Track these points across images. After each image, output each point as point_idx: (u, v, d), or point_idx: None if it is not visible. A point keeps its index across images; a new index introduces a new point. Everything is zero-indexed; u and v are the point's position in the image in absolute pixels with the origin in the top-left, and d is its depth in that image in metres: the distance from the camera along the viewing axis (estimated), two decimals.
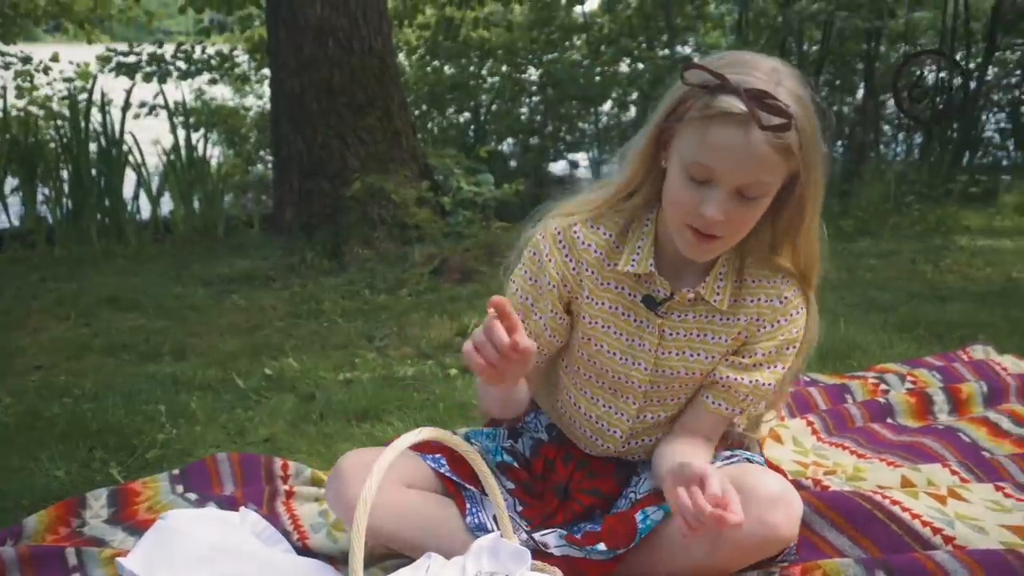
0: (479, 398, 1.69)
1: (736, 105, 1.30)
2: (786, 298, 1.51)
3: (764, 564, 1.53)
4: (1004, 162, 8.55)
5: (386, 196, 4.68)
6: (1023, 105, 8.24)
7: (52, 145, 6.28)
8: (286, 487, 1.91)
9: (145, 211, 6.22)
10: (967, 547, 1.56)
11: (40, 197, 6.06)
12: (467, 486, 1.61)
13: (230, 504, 1.81)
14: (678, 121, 1.38)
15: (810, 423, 2.21)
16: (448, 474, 1.62)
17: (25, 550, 1.62)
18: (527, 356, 1.29)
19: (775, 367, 1.54)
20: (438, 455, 1.65)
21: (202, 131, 6.90)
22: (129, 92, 6.34)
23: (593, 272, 1.53)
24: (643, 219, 1.52)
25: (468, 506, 1.59)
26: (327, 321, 3.63)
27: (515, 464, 1.70)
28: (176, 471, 2.02)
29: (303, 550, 1.70)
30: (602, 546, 1.50)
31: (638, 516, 1.52)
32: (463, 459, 1.61)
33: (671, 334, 1.54)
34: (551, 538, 1.55)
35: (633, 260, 1.51)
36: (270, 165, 7.56)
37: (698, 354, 1.55)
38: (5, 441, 2.38)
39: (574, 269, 1.53)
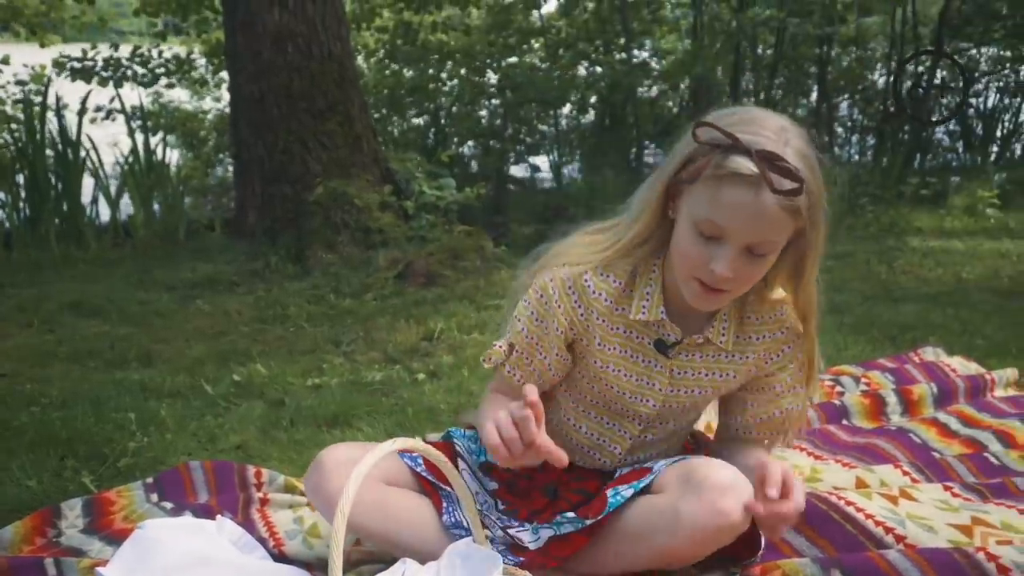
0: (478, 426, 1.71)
1: (748, 167, 1.34)
2: (787, 327, 1.59)
3: (729, 565, 1.60)
4: (954, 163, 8.78)
5: (349, 201, 4.71)
6: (971, 108, 8.46)
7: (6, 150, 6.22)
8: (260, 494, 1.94)
9: (104, 215, 6.19)
10: (917, 546, 1.63)
11: None
12: (443, 486, 1.66)
13: (206, 513, 1.84)
14: (689, 182, 1.41)
15: None
16: (424, 474, 1.66)
17: (3, 561, 1.65)
18: (545, 455, 1.36)
19: (797, 389, 1.63)
20: (416, 454, 1.70)
21: (161, 135, 6.87)
22: (85, 98, 6.29)
23: (603, 320, 1.58)
24: (650, 265, 1.56)
25: (444, 505, 1.64)
26: (293, 326, 3.65)
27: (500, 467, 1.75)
28: (150, 480, 2.04)
29: (279, 557, 1.73)
30: (570, 514, 1.57)
31: (609, 492, 1.57)
32: (442, 454, 1.68)
33: (680, 373, 1.61)
34: (526, 535, 1.61)
35: (644, 308, 1.56)
36: (230, 168, 7.55)
37: (706, 390, 1.63)
38: None
39: (583, 315, 1.58)
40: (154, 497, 1.97)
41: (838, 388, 2.55)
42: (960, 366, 2.68)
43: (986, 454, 2.05)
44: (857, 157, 8.87)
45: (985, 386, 2.54)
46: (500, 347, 1.64)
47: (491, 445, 1.37)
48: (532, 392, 1.34)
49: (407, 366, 3.08)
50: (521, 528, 1.63)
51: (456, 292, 4.04)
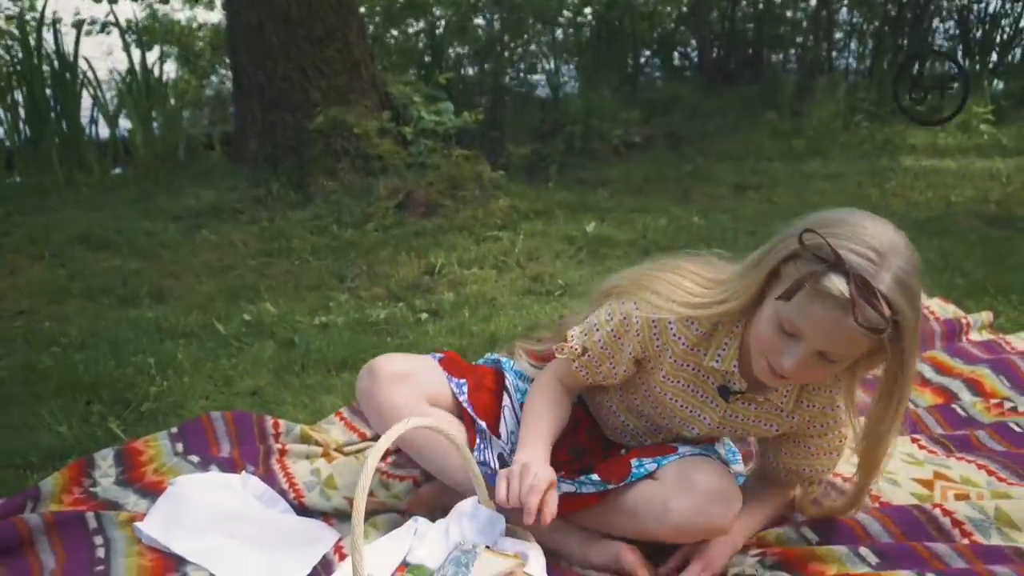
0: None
1: (842, 290, 1.35)
2: (838, 406, 1.67)
3: None
4: (952, 71, 8.77)
5: (348, 128, 4.76)
6: (971, 13, 8.40)
7: (2, 66, 6.21)
8: (279, 445, 2.09)
9: (103, 133, 6.22)
10: (881, 497, 1.79)
11: None
12: (479, 420, 1.78)
13: (230, 466, 1.99)
14: (787, 296, 1.42)
15: None
16: (466, 404, 1.79)
17: (49, 516, 1.80)
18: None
19: (832, 455, 1.73)
20: (462, 380, 1.83)
21: (157, 49, 6.85)
22: (81, 23, 6.24)
23: (676, 359, 1.67)
24: (734, 321, 1.59)
25: (477, 441, 1.76)
26: (298, 259, 3.77)
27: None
28: (174, 429, 2.18)
29: (300, 508, 1.89)
30: (595, 476, 1.68)
31: (633, 461, 1.69)
32: (484, 385, 1.83)
33: (731, 416, 1.71)
34: None
35: (719, 356, 1.62)
36: (225, 81, 7.55)
37: (750, 432, 1.75)
38: (4, 396, 2.53)
39: (658, 348, 1.67)
40: (179, 447, 2.12)
41: None
42: (939, 309, 2.81)
43: (954, 405, 2.20)
44: (855, 64, 8.86)
45: (961, 330, 2.68)
46: (575, 347, 1.73)
47: (499, 491, 1.56)
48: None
49: (410, 304, 3.21)
50: None
51: (455, 223, 4.14)
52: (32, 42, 5.91)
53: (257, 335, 2.97)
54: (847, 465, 1.74)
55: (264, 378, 2.62)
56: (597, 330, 1.70)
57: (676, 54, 8.90)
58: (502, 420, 1.82)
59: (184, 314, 3.13)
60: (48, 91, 5.98)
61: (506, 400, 1.85)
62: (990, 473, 1.86)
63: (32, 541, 1.76)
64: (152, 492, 1.91)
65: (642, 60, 8.60)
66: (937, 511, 1.70)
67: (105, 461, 2.06)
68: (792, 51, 9.13)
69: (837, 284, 1.36)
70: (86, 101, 6.10)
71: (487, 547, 1.52)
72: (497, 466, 1.71)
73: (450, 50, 7.59)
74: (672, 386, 1.70)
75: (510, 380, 1.89)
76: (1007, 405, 2.18)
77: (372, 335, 2.93)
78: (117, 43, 6.62)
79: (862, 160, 5.95)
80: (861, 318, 1.36)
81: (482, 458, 1.74)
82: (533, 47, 8.09)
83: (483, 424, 1.78)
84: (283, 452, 2.06)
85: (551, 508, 1.56)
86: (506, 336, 2.78)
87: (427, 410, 1.76)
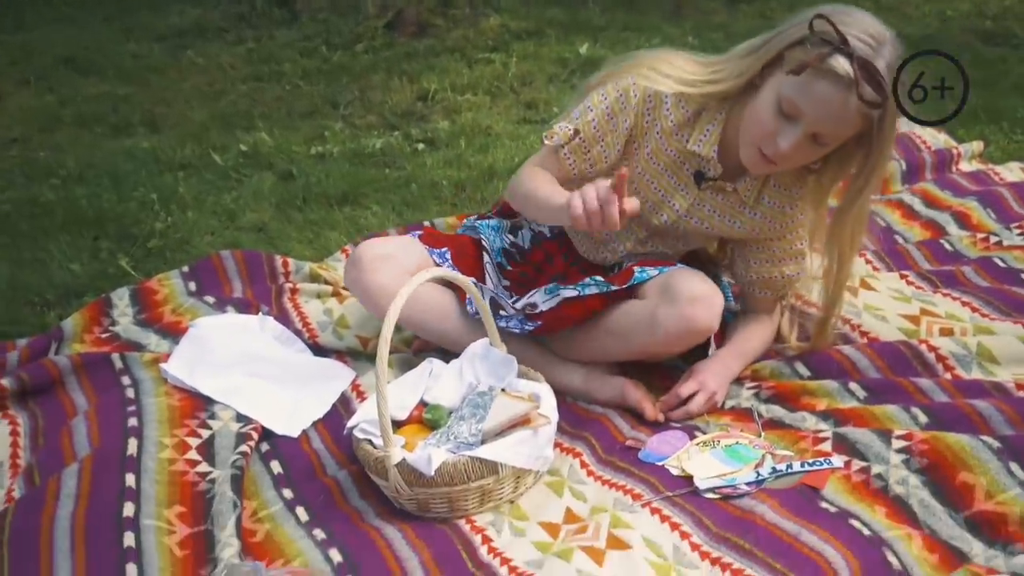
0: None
1: (846, 68, 1.47)
2: (797, 204, 1.77)
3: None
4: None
5: None
6: None
7: None
8: (290, 284, 2.15)
9: None
10: (871, 333, 1.88)
11: None
12: (467, 277, 1.84)
13: (244, 306, 2.06)
14: (795, 71, 1.51)
15: None
16: (451, 268, 1.86)
17: (76, 357, 1.88)
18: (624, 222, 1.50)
19: (798, 260, 1.83)
20: (443, 249, 1.89)
21: None
22: None
23: (662, 137, 1.73)
24: (719, 108, 1.69)
25: (467, 295, 1.82)
26: (289, 84, 3.73)
27: (516, 258, 1.95)
28: (186, 268, 2.24)
29: (314, 347, 1.97)
30: (599, 278, 1.77)
31: (636, 268, 1.77)
32: (465, 251, 1.88)
33: (699, 204, 1.78)
34: (537, 296, 1.79)
35: (701, 140, 1.70)
36: None
37: (713, 228, 1.81)
38: (11, 231, 2.56)
39: (648, 123, 1.72)
40: (192, 287, 2.18)
41: None
42: (930, 138, 2.84)
43: (942, 240, 2.27)
44: None
45: (951, 159, 2.72)
46: (566, 129, 1.75)
47: (574, 216, 1.49)
48: (625, 172, 1.47)
49: (406, 132, 3.21)
50: (534, 294, 1.81)
51: (447, 44, 4.07)
52: None
53: (255, 166, 2.98)
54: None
55: (267, 212, 2.66)
56: (591, 110, 1.74)
57: None
58: (487, 277, 1.89)
59: (179, 144, 3.13)
60: None
61: (486, 258, 1.92)
62: (974, 310, 1.95)
63: (63, 382, 1.85)
64: (172, 332, 1.99)
65: None
66: (923, 347, 1.79)
67: (122, 301, 2.13)
68: None
69: (843, 64, 1.48)
70: None
71: (502, 390, 1.61)
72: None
73: None
74: (652, 166, 1.77)
75: (486, 240, 1.95)
76: (992, 239, 2.25)
77: (370, 167, 2.95)
78: None
79: None
80: (864, 93, 1.48)
81: (475, 308, 1.80)
82: None
83: (471, 279, 1.83)
84: (295, 291, 2.13)
85: (631, 204, 1.51)
86: (503, 169, 2.81)
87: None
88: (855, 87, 1.47)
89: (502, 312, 1.79)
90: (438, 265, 1.87)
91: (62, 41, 4.25)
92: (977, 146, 2.81)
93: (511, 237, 2.00)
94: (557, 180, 1.75)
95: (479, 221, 2.03)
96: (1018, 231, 2.27)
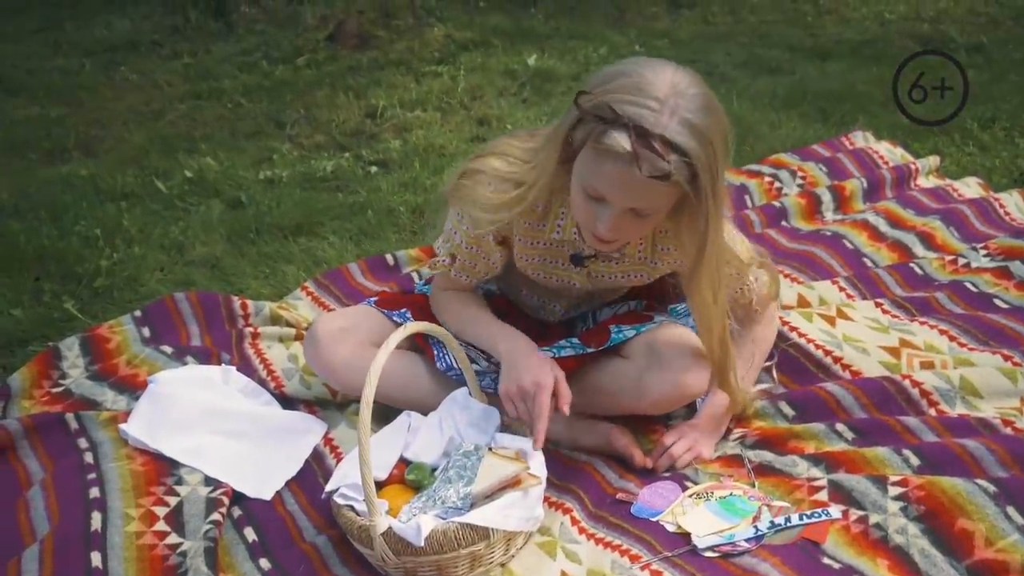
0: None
1: (624, 145, 1.33)
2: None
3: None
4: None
5: None
6: None
7: None
8: (250, 328, 2.06)
9: None
10: (853, 368, 1.86)
11: None
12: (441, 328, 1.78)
13: (204, 355, 1.97)
14: (576, 149, 1.43)
15: None
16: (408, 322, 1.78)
17: (27, 420, 1.77)
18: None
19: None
20: (403, 310, 1.82)
21: None
22: None
23: (522, 238, 1.66)
24: (565, 190, 1.55)
25: (436, 352, 1.78)
26: (231, 103, 3.61)
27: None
28: (138, 313, 2.13)
29: (281, 397, 1.88)
30: (575, 340, 1.72)
31: (613, 327, 1.73)
32: (424, 310, 1.81)
33: (596, 276, 1.70)
34: None
35: (558, 228, 1.63)
36: None
37: (623, 286, 1.75)
38: None
39: (506, 229, 1.64)
40: (146, 332, 2.08)
41: (776, 184, 2.70)
42: (888, 153, 2.84)
43: (912, 264, 2.26)
44: None
45: (910, 175, 2.73)
46: (443, 261, 1.72)
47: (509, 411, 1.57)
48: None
49: (356, 153, 3.12)
50: None
51: (391, 56, 3.98)
52: None
53: (201, 193, 2.87)
54: None
55: (218, 245, 2.56)
56: (456, 234, 1.68)
57: None
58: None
59: (119, 170, 3.01)
60: None
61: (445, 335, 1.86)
62: (952, 339, 1.94)
63: (15, 447, 1.74)
64: (128, 387, 1.89)
65: None
66: (906, 382, 1.77)
67: (71, 351, 2.02)
68: None
69: (618, 139, 1.34)
70: None
71: (490, 449, 1.55)
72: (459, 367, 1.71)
73: None
74: (529, 263, 1.71)
75: None
76: (961, 262, 2.26)
77: (322, 192, 2.86)
78: None
79: None
80: (646, 168, 1.34)
81: (446, 364, 1.75)
82: None
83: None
84: (255, 335, 2.04)
85: (566, 396, 1.55)
86: None
87: (375, 354, 1.74)
88: (635, 161, 1.34)
89: (475, 366, 1.73)
90: (398, 325, 1.80)
91: None
92: (933, 161, 2.82)
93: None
94: (466, 291, 1.78)
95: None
96: (984, 252, 2.28)
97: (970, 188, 2.67)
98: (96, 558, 1.44)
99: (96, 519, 1.51)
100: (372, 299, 1.88)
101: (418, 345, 1.80)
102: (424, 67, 3.86)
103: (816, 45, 4.37)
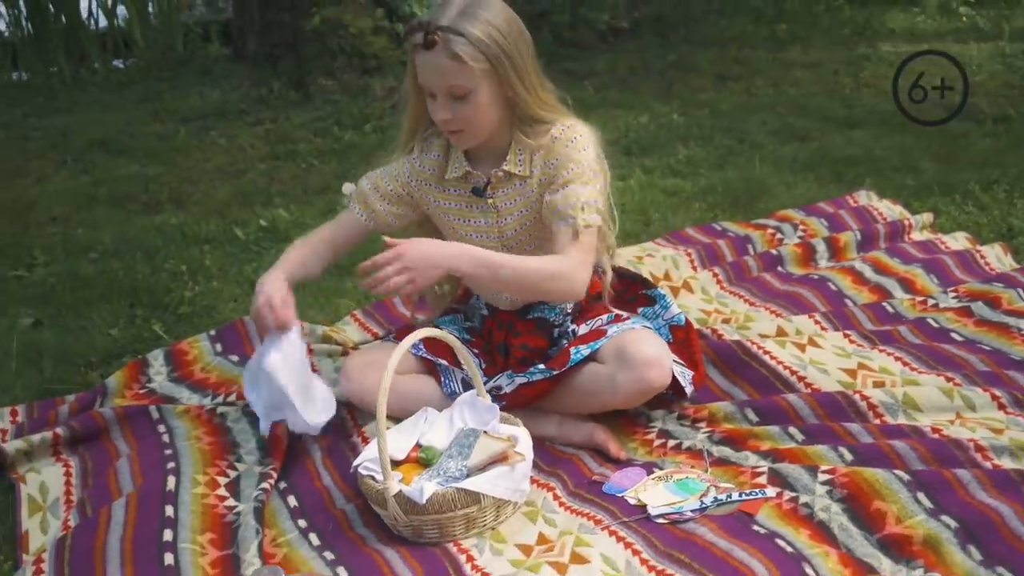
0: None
1: (419, 38, 1.82)
2: (556, 137, 1.95)
3: (671, 402, 2.10)
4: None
5: (343, 27, 4.97)
6: None
7: None
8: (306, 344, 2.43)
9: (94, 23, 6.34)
10: (814, 385, 2.14)
11: None
12: (439, 360, 2.14)
13: None
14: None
15: (715, 274, 2.75)
16: (425, 355, 2.15)
17: (120, 409, 2.16)
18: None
19: (587, 184, 1.93)
20: (418, 342, 2.16)
21: None
22: None
23: (432, 185, 2.07)
24: (436, 134, 2.03)
25: (443, 379, 2.14)
26: (304, 163, 4.05)
27: (472, 338, 2.24)
28: (213, 332, 2.53)
29: None
30: (541, 366, 2.05)
31: (572, 350, 2.04)
32: (435, 340, 2.15)
33: (502, 207, 2.05)
34: (502, 380, 2.09)
35: (454, 168, 2.03)
36: None
37: (528, 210, 2.04)
38: (56, 302, 2.86)
39: (416, 187, 2.09)
40: (218, 348, 2.47)
41: (778, 235, 3.00)
42: (887, 210, 3.12)
43: (886, 303, 2.54)
44: None
45: (903, 230, 3.00)
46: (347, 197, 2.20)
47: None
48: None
49: None
50: (499, 378, 2.11)
51: None
52: None
53: (273, 240, 3.28)
54: None
55: None
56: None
57: None
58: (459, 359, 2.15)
59: (205, 220, 3.44)
60: None
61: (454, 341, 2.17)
62: (904, 364, 2.21)
63: (108, 430, 2.13)
64: (200, 387, 2.28)
65: None
66: (856, 396, 2.05)
67: (156, 361, 2.42)
68: None
69: (413, 37, 1.84)
70: None
71: (485, 432, 1.88)
72: (462, 391, 2.06)
73: None
74: (448, 208, 2.09)
75: (448, 328, 2.21)
76: (930, 302, 2.52)
77: (378, 239, 3.22)
78: None
79: (841, 47, 6.13)
80: (415, 41, 1.83)
81: (451, 389, 2.10)
82: None
83: (444, 362, 2.14)
84: (309, 351, 2.40)
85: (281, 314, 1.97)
86: None
87: (397, 380, 2.04)
88: (420, 43, 1.80)
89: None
90: (415, 355, 2.16)
91: (95, 124, 4.61)
92: (927, 217, 3.09)
93: (469, 323, 2.27)
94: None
95: (439, 319, 2.30)
96: (953, 294, 2.54)
97: (957, 241, 2.92)
98: (169, 510, 1.81)
99: (171, 482, 1.88)
100: (391, 334, 2.25)
101: (427, 369, 2.15)
102: None
103: (849, 115, 4.65)
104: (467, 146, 1.99)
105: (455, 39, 1.81)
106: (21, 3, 6.08)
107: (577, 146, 1.95)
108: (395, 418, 1.97)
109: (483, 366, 2.17)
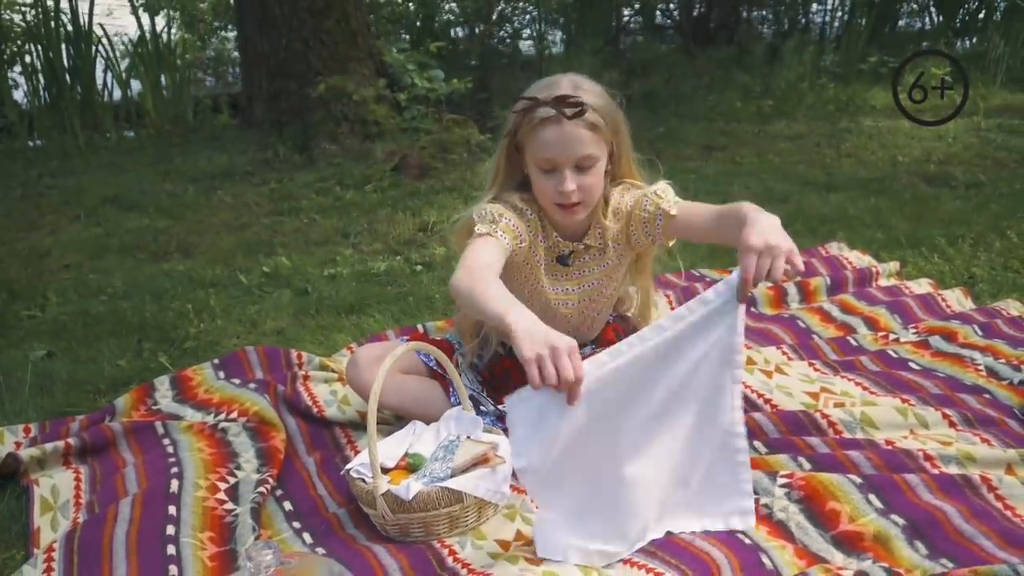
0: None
1: (548, 111, 1.91)
2: (623, 213, 2.10)
3: None
4: (920, 27, 9.21)
5: (348, 95, 5.22)
6: None
7: (18, 28, 6.57)
8: (302, 372, 2.58)
9: (108, 95, 6.61)
10: (779, 407, 2.29)
11: (11, 83, 6.41)
12: (447, 375, 2.27)
13: (263, 387, 2.48)
14: (521, 140, 1.98)
15: None
16: (434, 367, 2.29)
17: (127, 424, 2.30)
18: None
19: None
20: (429, 354, 2.31)
21: (165, 14, 7.25)
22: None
23: (538, 252, 2.13)
24: (529, 206, 2.07)
25: (451, 388, 2.26)
26: (306, 218, 4.24)
27: (480, 366, 2.37)
28: (216, 361, 2.68)
29: (321, 419, 2.38)
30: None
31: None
32: (447, 353, 2.30)
33: (581, 273, 2.19)
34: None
35: (547, 238, 2.12)
36: (226, 43, 7.97)
37: (602, 282, 2.20)
38: (68, 337, 3.02)
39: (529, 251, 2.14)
40: (221, 374, 2.62)
41: None
42: (856, 259, 3.30)
43: (849, 337, 2.70)
44: (828, 18, 9.27)
45: (871, 276, 3.17)
46: (484, 226, 2.04)
47: (532, 380, 1.57)
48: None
49: (407, 257, 3.69)
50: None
51: (446, 184, 4.61)
52: (49, 3, 6.27)
53: (275, 284, 3.45)
54: None
55: (285, 320, 3.12)
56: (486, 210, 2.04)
57: (658, 12, 9.29)
58: (463, 376, 2.30)
59: (210, 266, 3.62)
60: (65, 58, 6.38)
61: (461, 360, 2.34)
62: (864, 388, 2.36)
63: (115, 443, 2.26)
64: (203, 406, 2.42)
65: (625, 19, 8.99)
66: (817, 414, 2.20)
67: (163, 385, 2.56)
68: (765, 11, 9.49)
69: (544, 110, 1.91)
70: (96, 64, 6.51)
71: (468, 437, 2.02)
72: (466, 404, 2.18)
73: (442, 14, 7.97)
74: (535, 269, 2.14)
75: (458, 349, 2.37)
76: (891, 337, 2.68)
77: (374, 285, 3.41)
78: (115, 3, 7.02)
79: (824, 121, 6.39)
80: (568, 113, 1.89)
81: (456, 400, 2.23)
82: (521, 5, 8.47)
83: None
84: (306, 377, 2.55)
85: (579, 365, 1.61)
86: None
87: (403, 377, 2.25)
88: (561, 115, 1.89)
89: (481, 408, 2.22)
90: (425, 364, 2.31)
91: (108, 184, 4.82)
92: (894, 266, 3.27)
93: (481, 351, 2.36)
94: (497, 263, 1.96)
95: (450, 336, 2.43)
96: (914, 330, 2.70)
97: (921, 287, 3.10)
98: (172, 509, 1.94)
99: (174, 485, 2.01)
100: (405, 338, 2.39)
101: (435, 377, 2.29)
102: (473, 192, 4.46)
103: (828, 181, 4.86)
104: (580, 218, 2.06)
105: (587, 109, 1.91)
106: (40, 75, 6.37)
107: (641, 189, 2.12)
108: (401, 417, 2.17)
109: (484, 392, 2.29)
